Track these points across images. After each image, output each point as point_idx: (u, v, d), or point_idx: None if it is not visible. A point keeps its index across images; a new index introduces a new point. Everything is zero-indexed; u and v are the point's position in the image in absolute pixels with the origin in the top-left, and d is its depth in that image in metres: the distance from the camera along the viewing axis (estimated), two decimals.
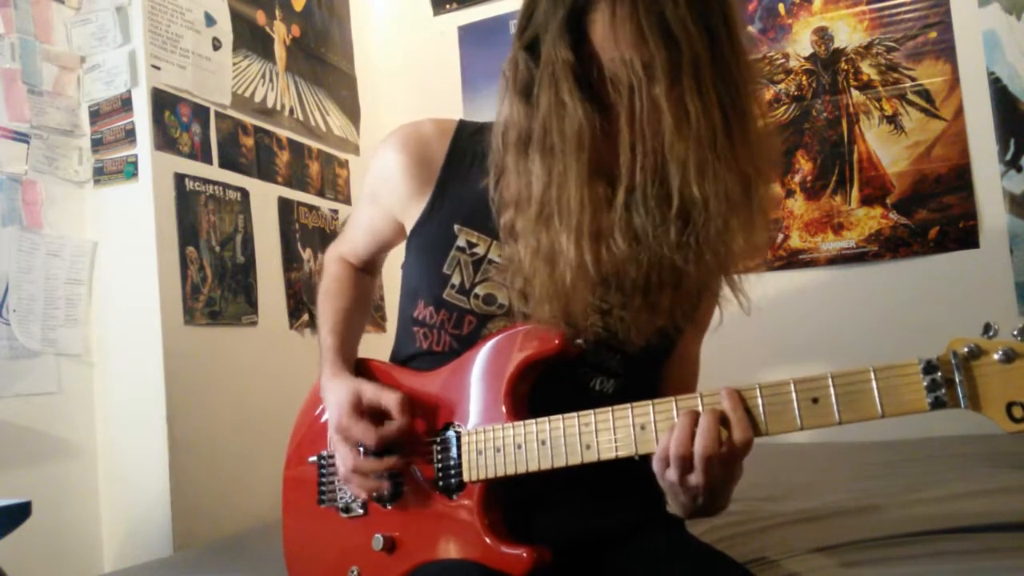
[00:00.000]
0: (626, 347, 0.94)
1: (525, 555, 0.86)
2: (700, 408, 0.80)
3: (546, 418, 0.87)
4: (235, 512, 2.00)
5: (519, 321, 0.96)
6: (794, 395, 0.76)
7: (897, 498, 1.47)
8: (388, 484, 0.96)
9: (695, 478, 0.79)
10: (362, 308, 1.17)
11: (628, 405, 0.84)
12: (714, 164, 0.80)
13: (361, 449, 0.96)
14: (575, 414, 0.86)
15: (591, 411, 0.85)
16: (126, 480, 1.93)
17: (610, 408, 0.84)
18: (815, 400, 0.75)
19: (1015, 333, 0.70)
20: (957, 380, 0.71)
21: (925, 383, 0.71)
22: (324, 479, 1.07)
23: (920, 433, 2.13)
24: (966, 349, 0.71)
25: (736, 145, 0.82)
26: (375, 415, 0.96)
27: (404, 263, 1.08)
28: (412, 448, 0.98)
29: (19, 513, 1.37)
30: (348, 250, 1.19)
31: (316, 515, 1.07)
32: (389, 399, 0.95)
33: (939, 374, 0.71)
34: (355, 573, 0.99)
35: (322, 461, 1.08)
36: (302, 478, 1.10)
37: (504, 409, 0.91)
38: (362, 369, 1.09)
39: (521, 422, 0.89)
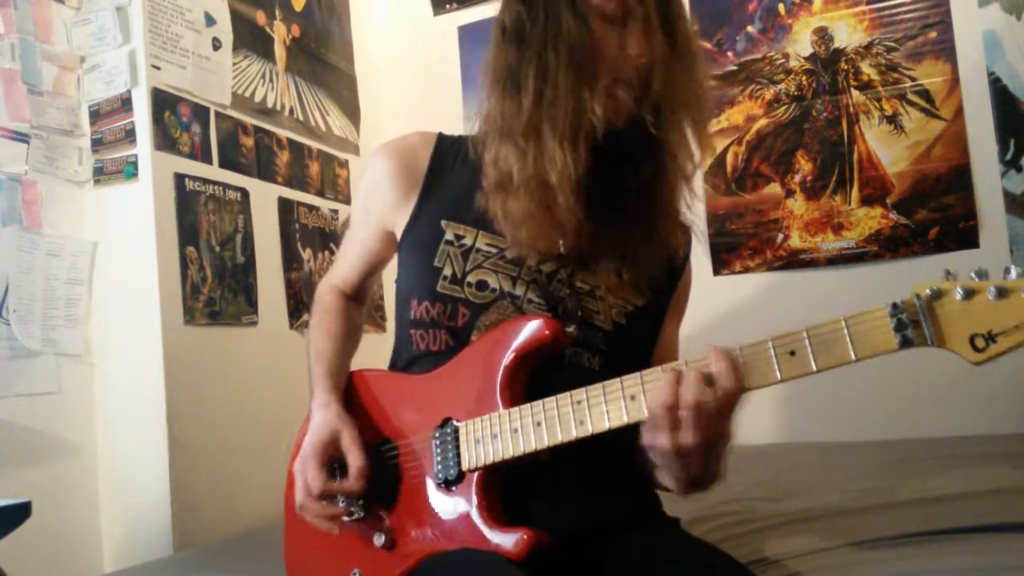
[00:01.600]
0: (606, 326, 1.01)
1: (525, 537, 0.87)
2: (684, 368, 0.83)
3: (540, 401, 0.90)
4: (235, 512, 2.00)
5: (508, 304, 1.01)
6: (772, 351, 0.79)
7: (897, 498, 1.47)
8: (335, 527, 1.00)
9: (686, 435, 0.81)
10: (350, 337, 1.19)
11: (618, 379, 0.86)
12: (692, 67, 0.99)
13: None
14: (568, 393, 0.89)
15: (583, 389, 0.88)
16: (126, 480, 1.93)
17: (601, 384, 0.87)
18: (792, 353, 0.79)
19: (972, 275, 0.74)
20: (922, 319, 0.74)
21: (892, 324, 0.75)
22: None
23: (919, 433, 2.14)
24: (928, 291, 0.75)
25: (697, 61, 1.01)
26: (341, 461, 1.00)
27: (397, 275, 1.13)
28: (411, 448, 0.99)
29: (19, 513, 1.37)
30: (340, 277, 1.22)
31: None
32: (353, 462, 0.99)
33: (905, 315, 0.75)
34: (357, 575, 0.99)
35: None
36: None
37: (500, 400, 0.93)
38: (355, 381, 1.11)
39: (516, 408, 0.91)
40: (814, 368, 0.78)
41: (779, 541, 1.27)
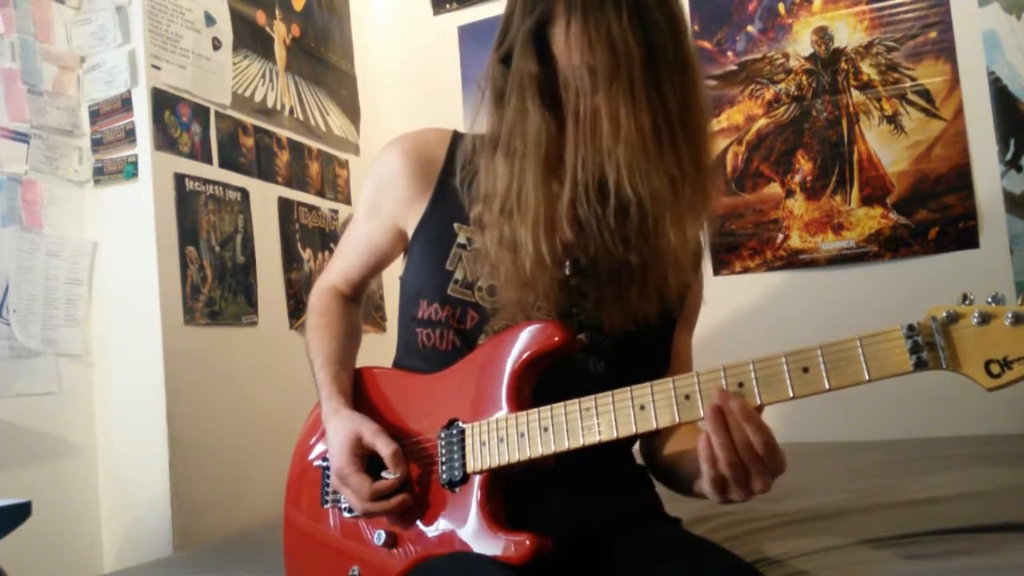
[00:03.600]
0: (613, 332, 0.99)
1: (528, 542, 0.87)
2: (700, 403, 0.82)
3: (548, 406, 0.90)
4: (235, 512, 2.00)
5: (517, 311, 0.99)
6: (785, 367, 0.79)
7: (897, 498, 1.47)
8: (400, 506, 0.96)
9: (754, 481, 0.82)
10: (352, 339, 1.16)
11: (628, 388, 0.86)
12: (643, 165, 0.88)
13: None
14: (576, 400, 0.88)
15: (591, 396, 0.88)
16: (126, 480, 1.93)
17: (610, 392, 0.87)
18: (805, 369, 0.78)
19: (989, 300, 0.74)
20: (937, 342, 0.74)
21: (908, 346, 0.75)
22: (329, 481, 1.07)
23: (919, 433, 2.14)
24: (944, 314, 0.75)
25: (664, 149, 0.89)
26: (373, 458, 0.98)
27: (404, 271, 1.11)
28: (416, 447, 0.99)
29: (19, 513, 1.37)
30: (338, 276, 1.19)
31: (318, 517, 1.07)
32: (384, 449, 0.96)
33: (920, 338, 0.75)
34: (356, 572, 1.00)
35: (327, 465, 1.07)
36: (306, 480, 1.10)
37: (507, 403, 0.93)
38: (363, 378, 1.10)
39: (524, 412, 0.91)
40: (827, 387, 0.77)
41: (779, 541, 1.27)
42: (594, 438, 0.86)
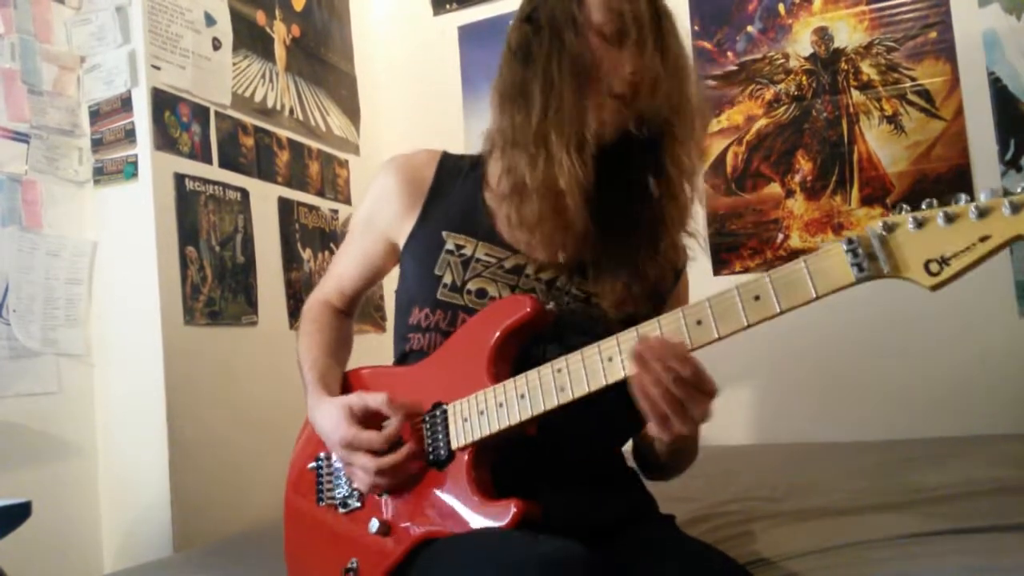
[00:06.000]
0: (607, 314, 1.03)
1: (514, 507, 0.89)
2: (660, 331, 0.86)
3: (523, 374, 0.92)
4: (235, 512, 2.00)
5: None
6: (738, 297, 0.82)
7: (897, 498, 1.47)
8: (410, 464, 0.98)
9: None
10: (341, 348, 1.19)
11: (596, 343, 0.89)
12: (684, 84, 1.02)
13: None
14: (549, 363, 0.91)
15: (563, 357, 0.90)
16: (126, 480, 1.93)
17: (580, 350, 0.90)
18: (757, 297, 0.81)
19: (923, 205, 0.76)
20: (876, 250, 0.76)
21: (849, 259, 0.77)
22: (322, 479, 1.09)
23: (919, 433, 2.14)
24: (880, 223, 0.77)
25: (687, 70, 1.04)
26: (370, 420, 1.00)
27: (398, 285, 1.15)
28: (405, 435, 1.00)
29: (19, 513, 1.37)
30: (332, 289, 1.22)
31: (315, 515, 1.09)
32: (375, 401, 0.99)
33: (860, 248, 0.77)
34: (355, 564, 1.01)
35: (320, 464, 1.10)
36: (303, 483, 1.12)
37: (488, 378, 0.95)
38: (350, 380, 1.13)
39: (501, 384, 0.94)
40: (778, 309, 0.81)
41: (779, 541, 1.27)
42: (568, 396, 0.89)
